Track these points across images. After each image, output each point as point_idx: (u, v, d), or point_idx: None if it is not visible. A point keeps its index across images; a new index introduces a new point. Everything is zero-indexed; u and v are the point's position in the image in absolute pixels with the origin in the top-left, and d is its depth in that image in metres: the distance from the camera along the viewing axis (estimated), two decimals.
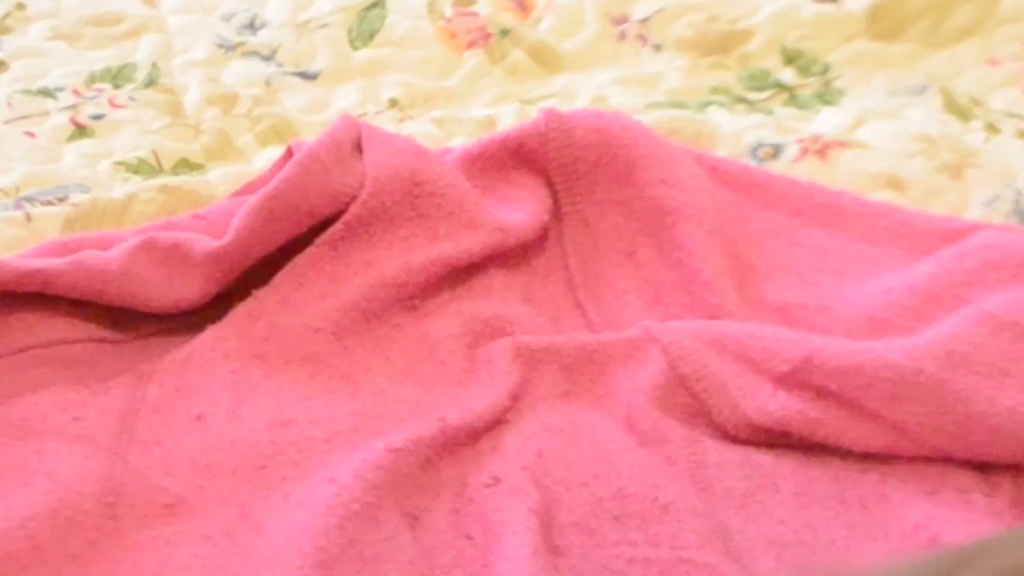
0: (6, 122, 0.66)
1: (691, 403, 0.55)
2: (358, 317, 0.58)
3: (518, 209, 0.60)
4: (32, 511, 0.50)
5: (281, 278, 0.58)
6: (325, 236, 0.58)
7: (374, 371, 0.58)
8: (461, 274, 0.60)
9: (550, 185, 0.62)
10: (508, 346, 0.57)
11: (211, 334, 0.56)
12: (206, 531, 0.51)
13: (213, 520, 0.52)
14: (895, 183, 0.62)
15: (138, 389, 0.56)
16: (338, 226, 0.58)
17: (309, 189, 0.58)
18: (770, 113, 0.68)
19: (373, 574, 0.49)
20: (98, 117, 0.67)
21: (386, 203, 0.59)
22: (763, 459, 0.53)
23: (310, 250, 0.58)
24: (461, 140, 0.64)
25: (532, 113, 0.65)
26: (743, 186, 0.63)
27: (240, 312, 0.58)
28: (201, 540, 0.51)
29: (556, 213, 0.63)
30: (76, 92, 0.68)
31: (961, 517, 0.50)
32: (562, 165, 0.62)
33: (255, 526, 0.52)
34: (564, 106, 0.65)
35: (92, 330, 0.58)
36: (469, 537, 0.50)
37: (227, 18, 0.73)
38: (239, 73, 0.67)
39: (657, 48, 0.70)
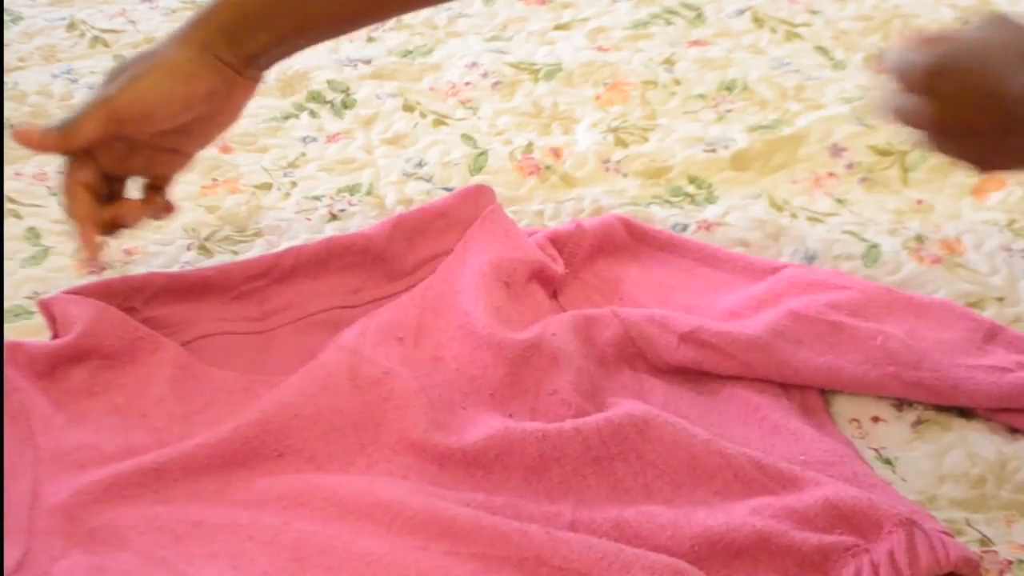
0: (296, 212, 0.83)
1: (635, 352, 0.72)
2: None
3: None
4: (308, 381, 0.65)
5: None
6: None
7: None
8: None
9: (565, 258, 0.77)
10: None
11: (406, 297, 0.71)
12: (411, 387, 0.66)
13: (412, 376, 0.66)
14: (744, 243, 0.81)
15: (368, 322, 0.70)
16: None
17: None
18: (682, 208, 0.86)
19: None
20: (342, 210, 0.85)
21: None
22: (672, 384, 0.71)
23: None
24: (526, 223, 0.82)
25: (562, 210, 0.85)
26: (667, 245, 0.80)
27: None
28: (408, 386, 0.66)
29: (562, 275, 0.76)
30: (331, 197, 0.86)
31: (774, 404, 0.70)
32: (575, 247, 0.78)
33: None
34: (576, 206, 0.85)
35: (336, 302, 0.74)
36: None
37: (407, 160, 0.89)
38: (413, 189, 0.87)
39: (625, 176, 0.88)
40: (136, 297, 0.70)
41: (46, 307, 0.69)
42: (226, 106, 0.73)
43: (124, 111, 0.69)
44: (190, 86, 0.70)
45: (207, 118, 0.72)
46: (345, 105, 0.96)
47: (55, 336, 0.69)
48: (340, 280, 0.74)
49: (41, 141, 0.70)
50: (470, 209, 0.77)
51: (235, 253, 0.81)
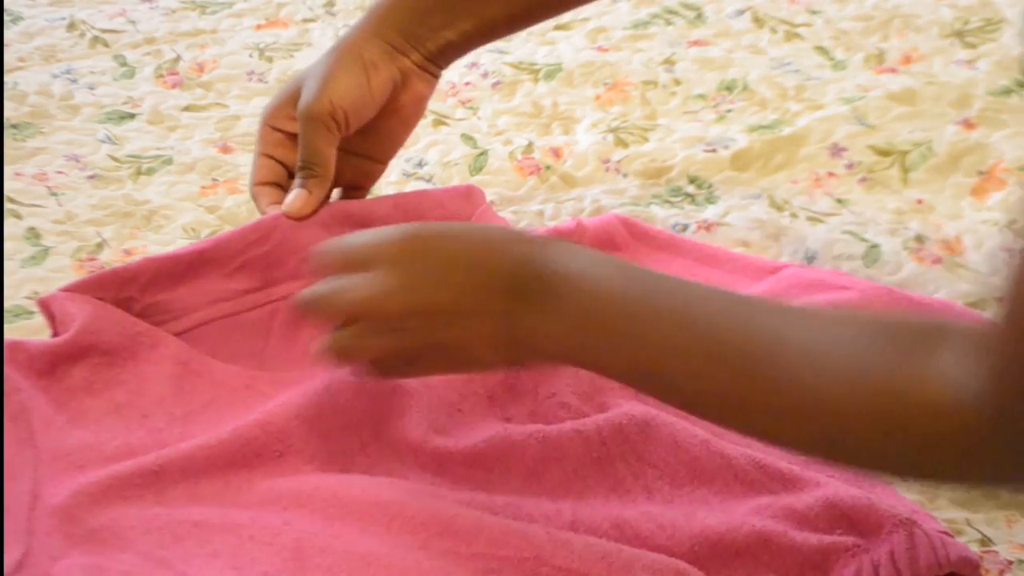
0: None
1: None
2: None
3: None
4: (309, 382, 0.65)
5: None
6: None
7: None
8: None
9: None
10: None
11: None
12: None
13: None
14: (744, 243, 0.83)
15: None
16: None
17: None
18: (682, 208, 0.87)
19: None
20: None
21: None
22: None
23: None
24: (526, 223, 0.83)
25: (562, 210, 0.85)
26: (668, 245, 0.81)
27: None
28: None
29: None
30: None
31: None
32: None
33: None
34: (576, 206, 0.86)
35: None
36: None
37: (407, 160, 0.91)
38: (413, 188, 0.87)
39: (625, 175, 0.90)
40: (132, 286, 0.70)
41: (45, 305, 0.69)
42: (405, 99, 0.73)
43: (338, 116, 0.70)
44: (370, 76, 0.70)
45: (391, 113, 0.73)
46: None
47: (55, 334, 0.69)
48: None
49: (313, 201, 0.71)
50: (464, 205, 0.77)
51: None
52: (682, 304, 0.54)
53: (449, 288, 0.57)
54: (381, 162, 0.77)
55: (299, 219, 0.71)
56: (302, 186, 0.71)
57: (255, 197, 0.75)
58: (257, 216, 0.83)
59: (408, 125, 0.75)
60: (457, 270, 0.57)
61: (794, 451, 0.58)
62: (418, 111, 0.75)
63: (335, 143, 0.71)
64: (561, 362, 0.59)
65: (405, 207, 0.75)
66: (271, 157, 0.74)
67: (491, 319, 0.56)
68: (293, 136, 0.73)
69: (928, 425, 0.47)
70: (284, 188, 0.74)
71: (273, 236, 0.72)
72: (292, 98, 0.73)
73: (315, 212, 0.72)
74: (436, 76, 0.74)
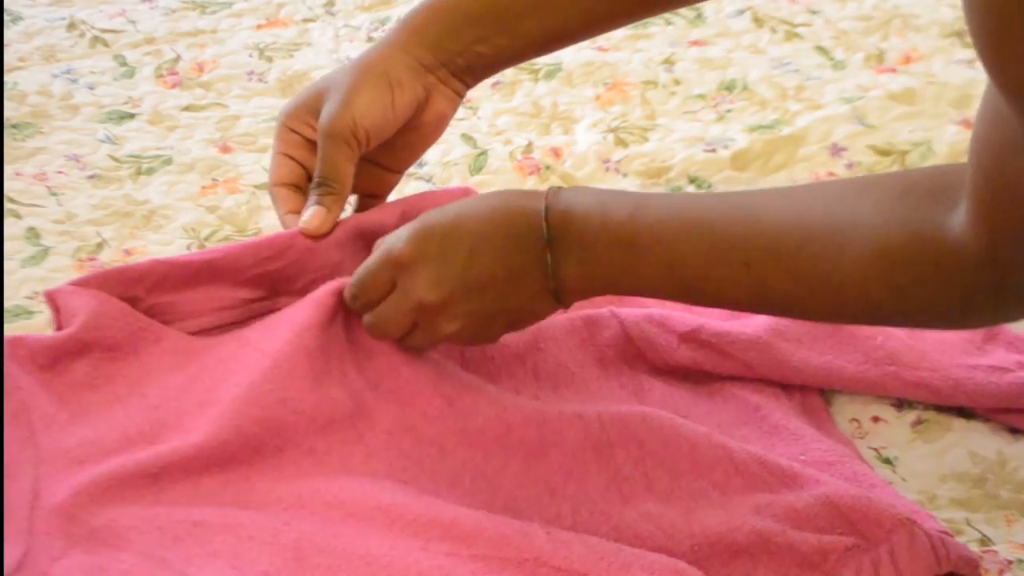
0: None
1: (635, 352, 0.73)
2: None
3: None
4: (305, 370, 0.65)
5: None
6: None
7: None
8: None
9: None
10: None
11: None
12: None
13: None
14: None
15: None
16: None
17: None
18: None
19: None
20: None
21: None
22: (672, 384, 0.73)
23: None
24: None
25: None
26: None
27: None
28: None
29: None
30: None
31: (774, 403, 0.72)
32: None
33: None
34: None
35: None
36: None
37: None
38: (413, 189, 0.87)
39: (625, 176, 0.90)
40: (138, 286, 0.70)
41: (51, 298, 0.69)
42: (427, 117, 0.73)
43: (359, 135, 0.70)
44: (395, 96, 0.70)
45: (412, 129, 0.73)
46: None
47: (59, 327, 0.69)
48: (351, 265, 0.72)
49: (331, 218, 0.71)
50: None
51: None
52: (696, 216, 0.60)
53: (479, 265, 0.62)
54: (397, 172, 0.77)
55: (316, 237, 0.71)
56: (319, 203, 0.71)
57: (273, 198, 0.74)
58: (259, 216, 0.84)
59: (427, 141, 0.75)
60: (479, 250, 0.62)
61: (831, 320, 0.66)
62: (439, 129, 0.75)
63: (355, 160, 0.71)
64: (600, 294, 0.64)
65: (411, 215, 0.74)
66: (290, 157, 0.74)
67: (531, 275, 0.61)
68: (310, 140, 0.73)
69: (942, 269, 0.53)
70: (302, 189, 0.74)
71: (287, 255, 0.72)
72: (311, 103, 0.72)
73: (332, 230, 0.71)
74: (460, 95, 0.74)
